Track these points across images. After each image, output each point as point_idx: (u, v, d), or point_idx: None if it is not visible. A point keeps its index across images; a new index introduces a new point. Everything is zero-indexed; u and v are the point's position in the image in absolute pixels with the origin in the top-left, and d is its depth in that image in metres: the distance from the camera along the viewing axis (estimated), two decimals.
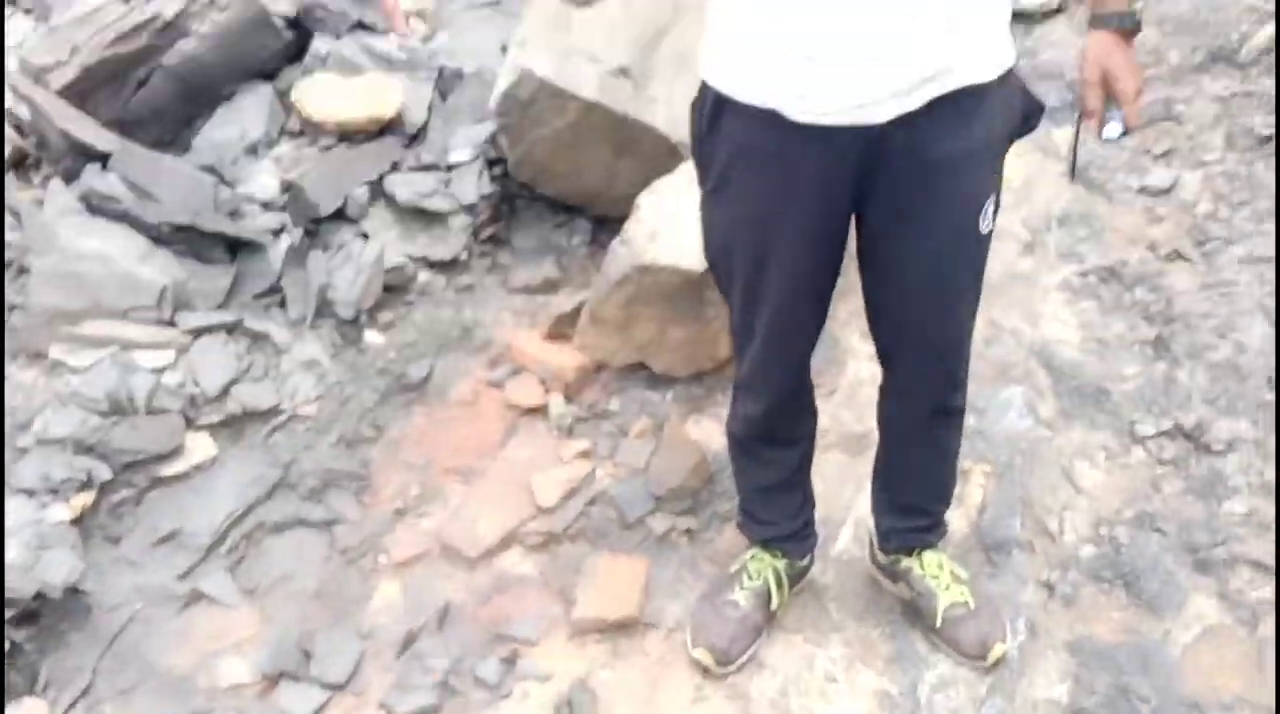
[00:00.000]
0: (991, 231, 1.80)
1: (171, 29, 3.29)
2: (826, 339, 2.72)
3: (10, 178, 3.17)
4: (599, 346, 2.88)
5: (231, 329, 2.82)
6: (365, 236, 3.05)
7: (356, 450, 2.70)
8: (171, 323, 2.79)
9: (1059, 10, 4.07)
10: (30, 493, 2.37)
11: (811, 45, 1.52)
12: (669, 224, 2.75)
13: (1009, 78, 1.69)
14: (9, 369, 2.71)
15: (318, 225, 3.06)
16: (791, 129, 1.57)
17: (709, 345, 2.83)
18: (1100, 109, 1.80)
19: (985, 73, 1.63)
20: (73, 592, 2.27)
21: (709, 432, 2.72)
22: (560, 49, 3.36)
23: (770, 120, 1.58)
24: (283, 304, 2.92)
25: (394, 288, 3.02)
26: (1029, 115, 1.79)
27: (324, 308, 2.91)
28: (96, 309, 2.76)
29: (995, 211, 1.78)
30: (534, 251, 3.19)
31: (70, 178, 3.02)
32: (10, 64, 3.38)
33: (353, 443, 2.70)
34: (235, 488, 2.55)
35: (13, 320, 2.78)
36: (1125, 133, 1.83)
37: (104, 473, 2.47)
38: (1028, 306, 3.11)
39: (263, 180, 3.10)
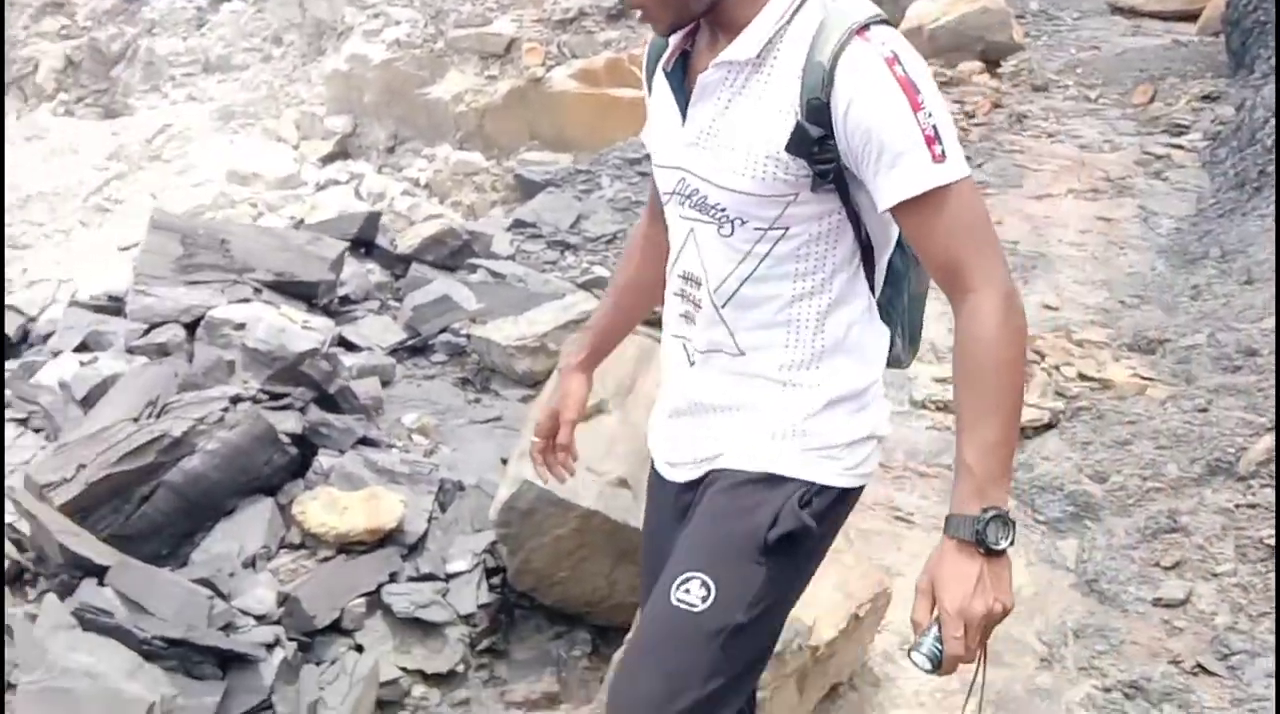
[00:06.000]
0: (696, 614, 1.80)
1: (179, 446, 3.60)
2: None
3: (7, 593, 3.35)
4: None
5: None
6: (360, 649, 3.18)
7: None
8: None
9: (1050, 426, 4.42)
10: None
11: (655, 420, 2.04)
12: None
13: (781, 486, 1.85)
14: None
15: (312, 639, 3.21)
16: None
17: None
18: (924, 622, 1.68)
19: (744, 464, 1.88)
20: None
21: None
22: None
23: None
24: None
25: (387, 704, 3.11)
26: (787, 533, 1.81)
27: None
28: None
29: (711, 598, 1.79)
30: (533, 663, 3.31)
31: (66, 592, 3.20)
32: (15, 481, 3.66)
33: None
34: None
35: None
36: (938, 660, 1.64)
37: None
38: None
39: (259, 593, 3.28)
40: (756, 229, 1.80)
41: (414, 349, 5.11)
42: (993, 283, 1.69)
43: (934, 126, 1.66)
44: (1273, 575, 3.64)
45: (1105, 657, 3.42)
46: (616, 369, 4.19)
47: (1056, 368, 4.76)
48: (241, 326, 4.46)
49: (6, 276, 11.64)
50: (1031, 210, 6.66)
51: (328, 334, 4.66)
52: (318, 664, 3.15)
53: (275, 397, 4.00)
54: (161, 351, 4.49)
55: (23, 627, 3.08)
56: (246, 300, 4.76)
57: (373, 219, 6.03)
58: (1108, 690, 3.30)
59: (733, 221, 1.81)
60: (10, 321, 5.27)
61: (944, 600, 1.65)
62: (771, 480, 1.85)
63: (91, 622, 3.08)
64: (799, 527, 1.82)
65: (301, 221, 7.69)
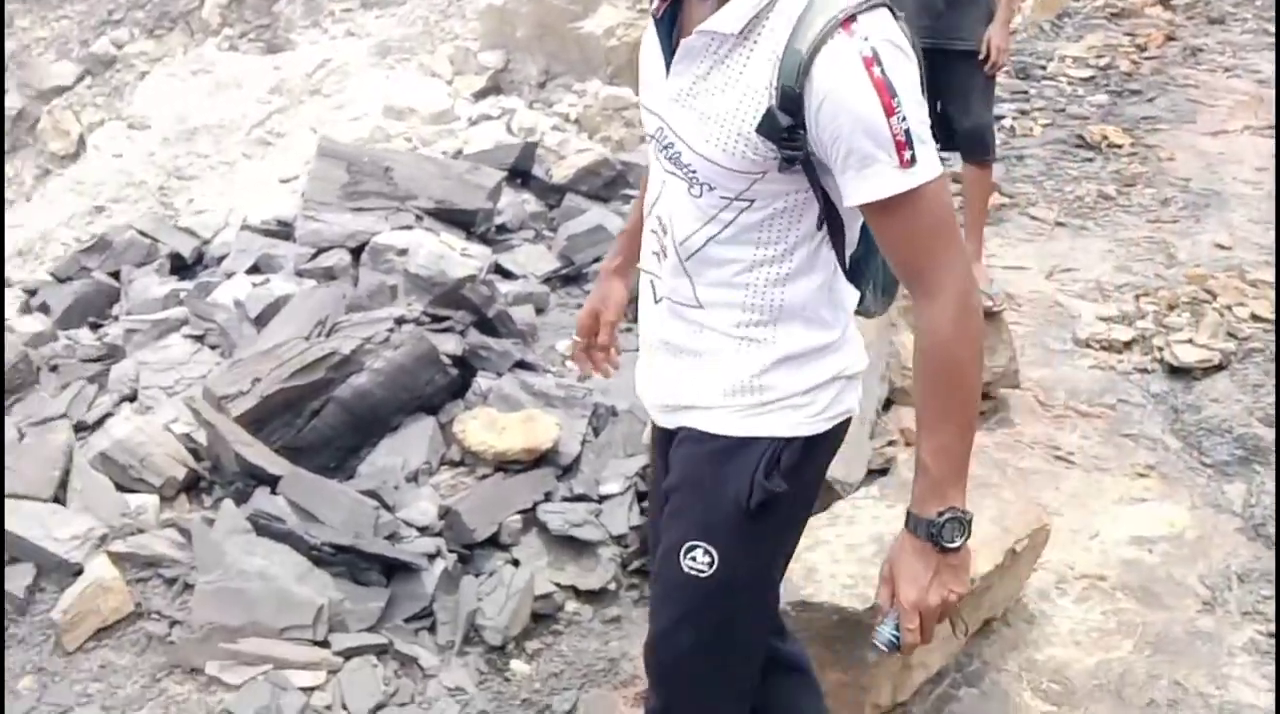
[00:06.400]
0: (706, 578, 1.92)
1: (347, 364, 3.74)
2: None
3: (183, 499, 3.56)
4: None
5: (381, 652, 3.03)
6: (516, 564, 3.29)
7: None
8: (325, 643, 3.01)
9: (1220, 367, 4.29)
10: None
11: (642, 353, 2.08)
12: (826, 561, 2.92)
13: (747, 449, 1.89)
14: (165, 684, 2.95)
15: (471, 551, 3.33)
16: None
17: (869, 691, 2.92)
18: (886, 607, 1.79)
19: (707, 425, 1.93)
20: None
21: None
22: None
23: None
24: (433, 628, 3.14)
25: (542, 616, 3.22)
26: (759, 501, 1.88)
27: (472, 634, 3.12)
28: (254, 626, 3.02)
29: (716, 563, 1.91)
30: None
31: (241, 499, 3.38)
32: (194, 392, 3.86)
33: None
34: None
35: (173, 635, 3.06)
36: (896, 646, 1.76)
37: None
38: (1213, 668, 3.14)
39: (421, 506, 3.42)
40: (723, 197, 1.82)
41: (567, 278, 5.20)
42: (950, 287, 1.72)
43: (906, 131, 1.65)
44: None
45: (1270, 602, 3.34)
46: None
47: (1229, 308, 4.61)
48: (404, 252, 4.60)
49: (174, 206, 12.16)
50: (1205, 147, 6.41)
51: (485, 262, 4.77)
52: (476, 575, 3.27)
53: (437, 319, 4.12)
54: (328, 275, 4.66)
55: (200, 530, 3.26)
56: (408, 227, 4.89)
57: (529, 149, 6.13)
58: (1271, 635, 3.22)
59: (702, 185, 1.83)
60: (184, 243, 5.54)
61: (900, 595, 1.76)
62: (739, 444, 1.91)
63: (265, 527, 3.24)
64: (770, 495, 1.89)
65: (459, 152, 7.84)
